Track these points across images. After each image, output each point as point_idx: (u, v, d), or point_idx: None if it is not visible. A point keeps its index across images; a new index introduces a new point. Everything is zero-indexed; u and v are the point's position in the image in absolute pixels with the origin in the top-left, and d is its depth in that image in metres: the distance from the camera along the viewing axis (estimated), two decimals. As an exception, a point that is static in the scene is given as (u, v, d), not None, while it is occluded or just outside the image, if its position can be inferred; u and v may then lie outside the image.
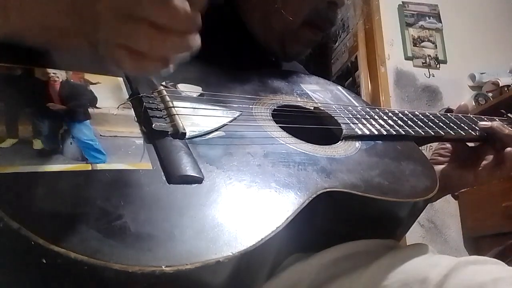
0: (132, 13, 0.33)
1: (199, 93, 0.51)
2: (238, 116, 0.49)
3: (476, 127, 0.68)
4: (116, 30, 0.33)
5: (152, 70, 0.35)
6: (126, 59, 0.33)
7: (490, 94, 2.30)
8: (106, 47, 0.34)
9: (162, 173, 0.36)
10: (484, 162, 0.65)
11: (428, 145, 0.71)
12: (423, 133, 0.62)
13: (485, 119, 0.72)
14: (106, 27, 0.33)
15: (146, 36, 0.33)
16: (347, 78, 2.56)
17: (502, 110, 0.78)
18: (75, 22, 0.36)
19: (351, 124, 0.58)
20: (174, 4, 0.32)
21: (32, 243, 0.27)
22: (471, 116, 0.72)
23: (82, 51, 0.39)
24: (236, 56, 0.65)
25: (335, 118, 0.58)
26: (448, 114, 0.71)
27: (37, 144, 0.34)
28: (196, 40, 0.35)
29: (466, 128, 0.68)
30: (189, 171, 0.37)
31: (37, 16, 0.38)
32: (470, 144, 0.70)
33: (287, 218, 0.37)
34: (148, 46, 0.33)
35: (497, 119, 0.74)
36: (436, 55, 2.42)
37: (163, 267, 0.28)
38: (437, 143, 0.71)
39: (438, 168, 0.68)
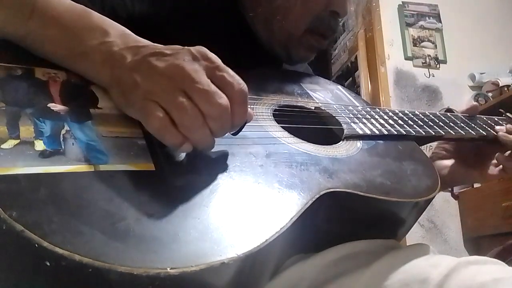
0: (188, 92, 0.36)
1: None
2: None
3: (476, 127, 0.69)
4: (166, 95, 0.35)
5: (170, 139, 0.36)
6: (158, 120, 0.35)
7: (490, 94, 2.30)
8: (143, 98, 0.36)
9: (165, 174, 0.36)
10: (491, 162, 0.67)
11: (428, 144, 0.72)
12: (423, 133, 0.62)
13: (485, 118, 0.73)
14: (157, 86, 0.36)
15: (195, 117, 0.36)
16: (347, 78, 2.56)
17: (500, 110, 0.79)
18: (114, 56, 0.39)
19: (352, 124, 0.58)
20: (225, 105, 0.37)
21: (36, 245, 0.26)
22: (471, 116, 0.72)
23: (91, 74, 0.40)
24: (237, 56, 0.65)
25: (336, 118, 0.58)
26: (448, 113, 0.72)
27: (39, 145, 0.34)
28: (213, 144, 0.39)
29: (466, 127, 0.68)
30: (192, 172, 0.37)
31: (63, 33, 0.39)
32: None
33: (291, 219, 0.37)
34: (188, 124, 0.36)
35: (495, 118, 0.74)
36: (436, 55, 2.42)
37: (168, 269, 0.28)
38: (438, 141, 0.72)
39: (442, 162, 0.69)
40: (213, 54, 0.39)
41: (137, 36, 0.41)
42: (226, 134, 0.40)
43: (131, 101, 0.37)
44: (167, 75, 0.36)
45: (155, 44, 0.40)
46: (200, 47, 0.39)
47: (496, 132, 0.68)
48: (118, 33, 0.40)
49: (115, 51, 0.39)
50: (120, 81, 0.38)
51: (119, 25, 0.41)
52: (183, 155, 0.39)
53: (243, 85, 0.39)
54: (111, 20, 0.41)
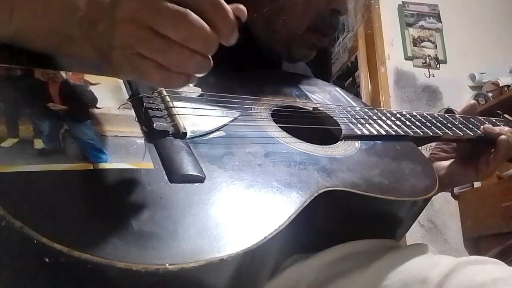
0: (154, 28, 0.33)
1: (199, 94, 0.51)
2: (238, 116, 0.49)
3: (474, 128, 0.69)
4: (140, 43, 0.33)
5: (177, 84, 0.35)
6: (154, 71, 0.34)
7: (490, 94, 2.30)
8: (125, 55, 0.34)
9: (164, 173, 0.37)
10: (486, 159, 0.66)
11: (428, 145, 0.72)
12: (421, 133, 0.63)
13: (482, 119, 0.73)
14: (125, 36, 0.33)
15: (176, 52, 0.33)
16: (347, 78, 2.56)
17: (498, 111, 0.79)
18: (85, 28, 0.37)
19: (350, 124, 0.58)
20: (192, 20, 0.32)
21: (35, 241, 0.27)
22: (469, 117, 0.73)
23: (84, 55, 0.39)
24: (236, 57, 0.65)
25: (334, 118, 0.59)
26: (446, 114, 0.72)
27: (38, 144, 0.34)
28: (210, 63, 0.36)
29: (464, 128, 0.68)
30: (191, 170, 0.37)
31: (45, 21, 0.39)
32: None
33: (290, 217, 0.37)
34: (176, 62, 0.34)
35: (493, 119, 0.74)
36: (436, 55, 2.42)
37: (167, 265, 0.28)
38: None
39: (441, 164, 0.69)
40: None
41: None
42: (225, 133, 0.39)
43: (118, 65, 0.35)
44: (128, 21, 0.33)
45: None
46: None
47: (485, 130, 0.68)
48: (85, 1, 0.38)
49: (89, 23, 0.37)
50: (101, 50, 0.36)
51: None
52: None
53: None
54: None
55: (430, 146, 0.75)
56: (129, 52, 0.33)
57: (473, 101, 0.78)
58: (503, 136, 0.65)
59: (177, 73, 0.34)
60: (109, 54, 0.35)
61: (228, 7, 0.34)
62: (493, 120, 0.74)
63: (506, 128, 0.68)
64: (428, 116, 0.69)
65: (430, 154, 0.73)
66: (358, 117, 0.62)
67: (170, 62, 0.33)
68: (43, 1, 0.39)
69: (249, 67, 0.64)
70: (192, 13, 0.32)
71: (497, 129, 0.67)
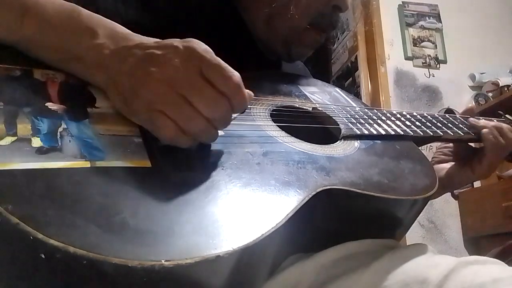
0: (188, 98, 0.36)
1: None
2: (236, 116, 0.49)
3: (474, 128, 0.69)
4: (170, 106, 0.36)
5: (183, 145, 0.38)
6: (170, 130, 0.37)
7: (490, 94, 2.30)
8: (147, 109, 0.36)
9: (161, 171, 0.37)
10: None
11: (428, 145, 0.72)
12: (421, 133, 0.63)
13: (483, 119, 0.73)
14: (156, 94, 0.36)
15: (200, 123, 0.37)
16: (347, 78, 2.56)
17: (499, 112, 0.79)
18: (101, 57, 0.39)
19: (350, 124, 0.58)
20: (225, 106, 0.38)
21: (31, 238, 0.27)
22: (469, 117, 0.73)
23: (91, 79, 0.41)
24: (235, 56, 0.65)
25: (334, 118, 0.59)
26: (447, 115, 0.72)
27: (36, 142, 0.34)
28: (217, 136, 0.41)
29: (464, 128, 0.68)
30: (189, 169, 0.37)
31: (56, 35, 0.40)
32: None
33: (287, 215, 0.37)
34: (196, 131, 0.37)
35: (494, 120, 0.74)
36: (436, 55, 2.42)
37: (163, 261, 0.28)
38: (439, 143, 0.72)
39: (442, 166, 0.69)
40: (201, 47, 0.39)
41: (125, 31, 0.41)
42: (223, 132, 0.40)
43: (135, 110, 0.37)
44: (164, 83, 0.36)
45: (144, 41, 0.40)
46: (188, 43, 0.39)
47: (470, 123, 0.68)
48: (107, 32, 0.40)
49: (106, 54, 0.39)
50: (119, 87, 0.38)
51: (108, 21, 0.41)
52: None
53: (236, 76, 0.39)
54: (100, 17, 0.41)
55: (430, 146, 0.75)
56: (153, 107, 0.36)
57: (470, 105, 0.78)
58: (485, 130, 0.65)
59: (187, 136, 0.38)
60: (130, 98, 0.37)
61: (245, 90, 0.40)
62: (494, 120, 0.74)
63: (492, 123, 0.68)
64: (428, 116, 0.69)
65: (432, 158, 0.74)
66: (358, 117, 0.62)
67: (190, 129, 0.37)
68: (58, 17, 0.40)
69: (248, 67, 0.64)
70: (227, 100, 0.38)
71: (481, 122, 0.67)
